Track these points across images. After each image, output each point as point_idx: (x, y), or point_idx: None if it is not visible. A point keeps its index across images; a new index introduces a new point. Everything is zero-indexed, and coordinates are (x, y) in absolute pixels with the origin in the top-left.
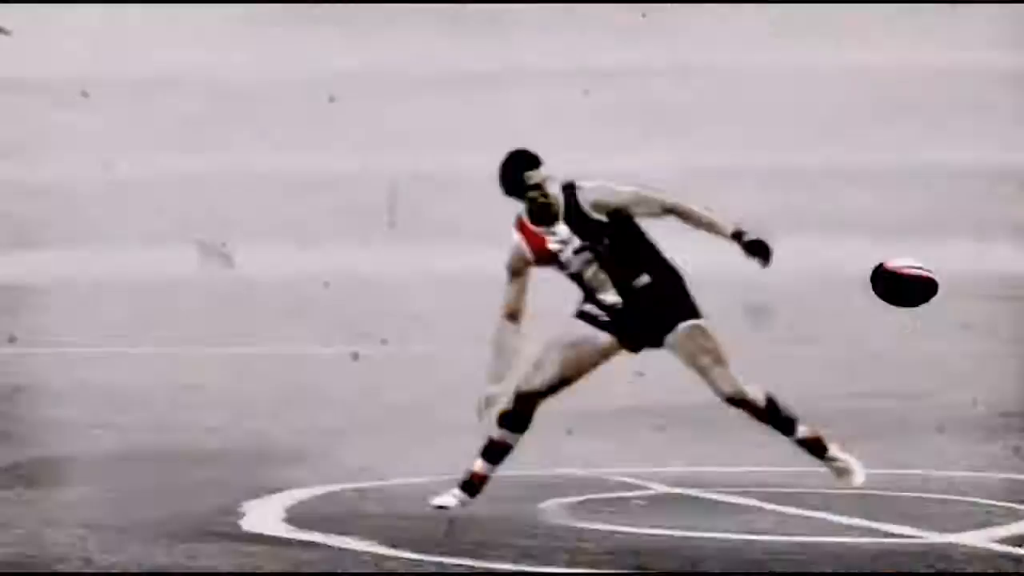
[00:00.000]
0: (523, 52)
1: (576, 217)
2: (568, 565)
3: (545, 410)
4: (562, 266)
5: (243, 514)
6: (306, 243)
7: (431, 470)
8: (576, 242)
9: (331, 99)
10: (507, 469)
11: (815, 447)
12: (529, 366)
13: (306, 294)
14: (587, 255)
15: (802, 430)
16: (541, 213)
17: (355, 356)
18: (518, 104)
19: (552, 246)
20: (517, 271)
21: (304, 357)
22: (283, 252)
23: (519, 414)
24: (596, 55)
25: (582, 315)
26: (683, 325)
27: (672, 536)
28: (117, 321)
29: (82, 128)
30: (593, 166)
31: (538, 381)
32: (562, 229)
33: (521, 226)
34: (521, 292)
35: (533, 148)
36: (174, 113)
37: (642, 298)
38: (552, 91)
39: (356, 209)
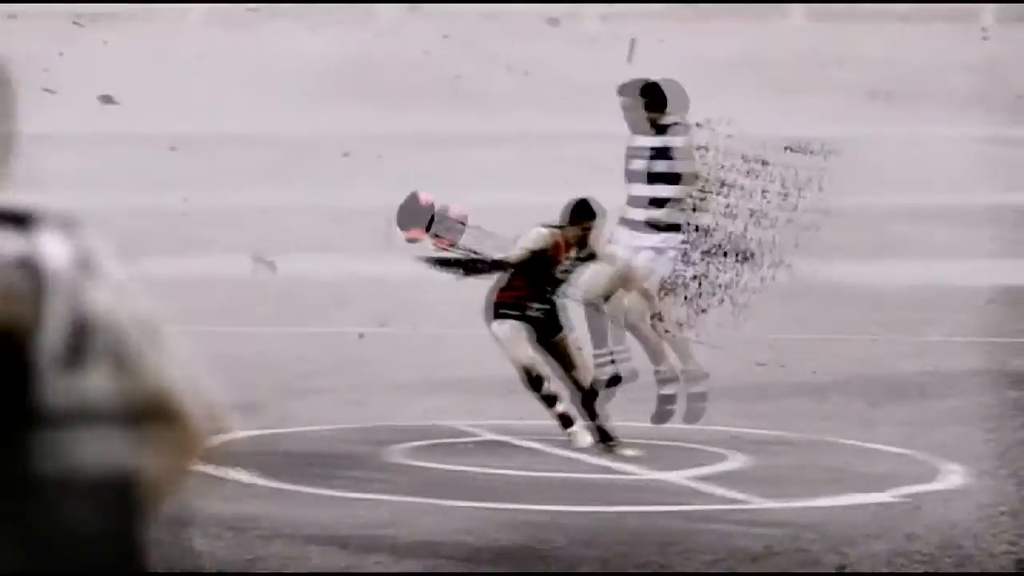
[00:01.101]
0: (499, 119)
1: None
2: (376, 492)
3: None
4: (555, 270)
5: None
6: (332, 254)
7: (359, 420)
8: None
9: (345, 154)
10: (380, 420)
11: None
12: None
13: (332, 290)
14: (570, 272)
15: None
16: (580, 242)
17: (360, 335)
18: (494, 159)
19: (566, 259)
20: (532, 253)
21: (323, 335)
22: (316, 261)
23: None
24: (556, 123)
25: (516, 308)
26: (565, 329)
27: (465, 471)
28: (193, 310)
29: (170, 172)
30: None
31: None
32: (572, 253)
33: (556, 237)
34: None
35: (503, 191)
36: (241, 162)
37: (552, 307)
38: (522, 151)
39: (367, 231)
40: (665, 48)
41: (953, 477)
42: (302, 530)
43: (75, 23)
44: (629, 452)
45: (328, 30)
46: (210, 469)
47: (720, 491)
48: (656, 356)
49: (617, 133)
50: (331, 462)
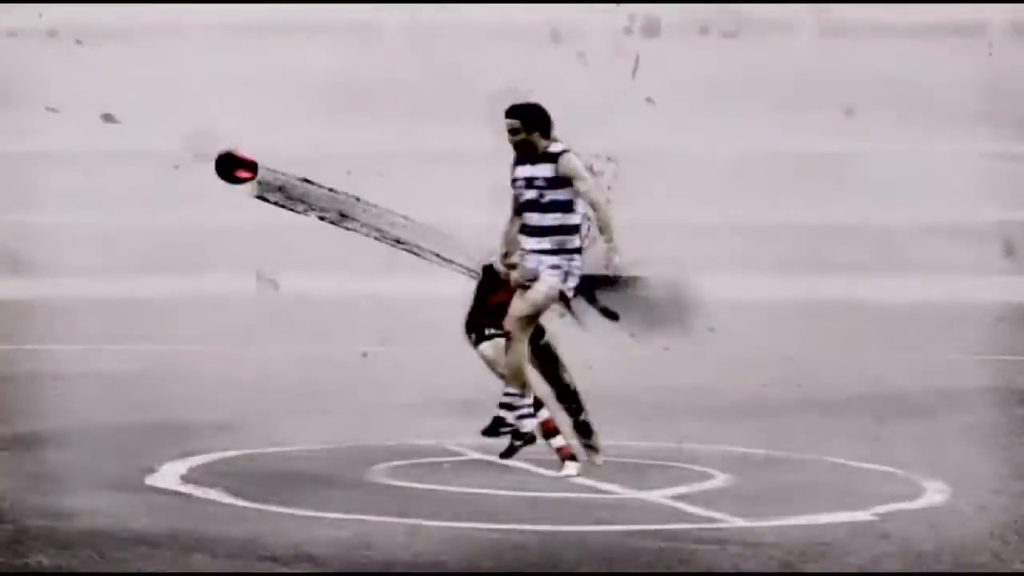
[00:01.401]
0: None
1: None
2: (351, 512)
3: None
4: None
5: (155, 471)
6: (335, 272)
7: (355, 440)
8: None
9: (348, 172)
10: (370, 439)
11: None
12: None
13: (335, 309)
14: None
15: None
16: None
17: (364, 354)
18: (498, 176)
19: None
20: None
21: (326, 354)
22: (315, 279)
23: None
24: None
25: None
26: (548, 333)
27: (445, 491)
28: (195, 327)
29: (173, 190)
30: None
31: None
32: None
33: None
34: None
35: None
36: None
37: None
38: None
39: (366, 249)
40: (668, 64)
41: (937, 495)
42: (273, 549)
43: (77, 41)
44: (599, 460)
45: (332, 48)
46: (186, 489)
47: (696, 510)
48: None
49: (622, 151)
50: (308, 481)
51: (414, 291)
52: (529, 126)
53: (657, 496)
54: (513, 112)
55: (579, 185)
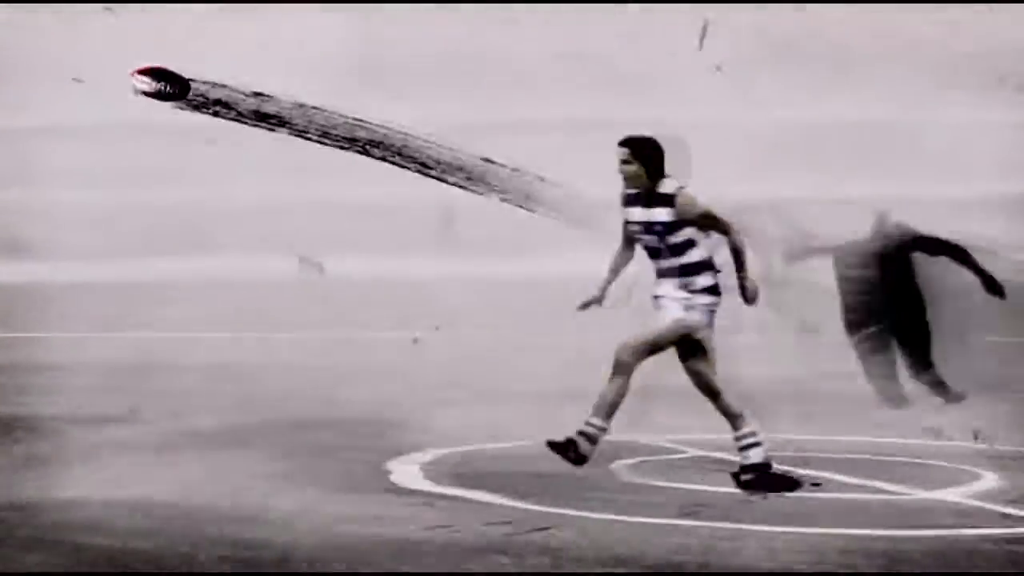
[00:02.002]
0: (536, 106)
1: None
2: (635, 514)
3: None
4: None
5: (390, 471)
6: (378, 254)
7: (518, 436)
8: None
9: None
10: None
11: None
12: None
13: (380, 292)
14: None
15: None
16: None
17: (415, 340)
18: (533, 149)
19: None
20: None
21: (378, 340)
22: (362, 261)
23: None
24: (605, 110)
25: None
26: None
27: (718, 492)
28: (234, 313)
29: (208, 164)
30: None
31: None
32: None
33: None
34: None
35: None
36: (281, 157)
37: None
38: (561, 139)
39: (414, 228)
40: (716, 31)
41: None
42: (609, 556)
43: (106, 8)
44: None
45: (375, 16)
46: (447, 491)
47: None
48: (607, 409)
49: (667, 120)
50: (562, 481)
51: (447, 274)
52: (640, 159)
53: (957, 496)
54: (626, 143)
55: (708, 224)
